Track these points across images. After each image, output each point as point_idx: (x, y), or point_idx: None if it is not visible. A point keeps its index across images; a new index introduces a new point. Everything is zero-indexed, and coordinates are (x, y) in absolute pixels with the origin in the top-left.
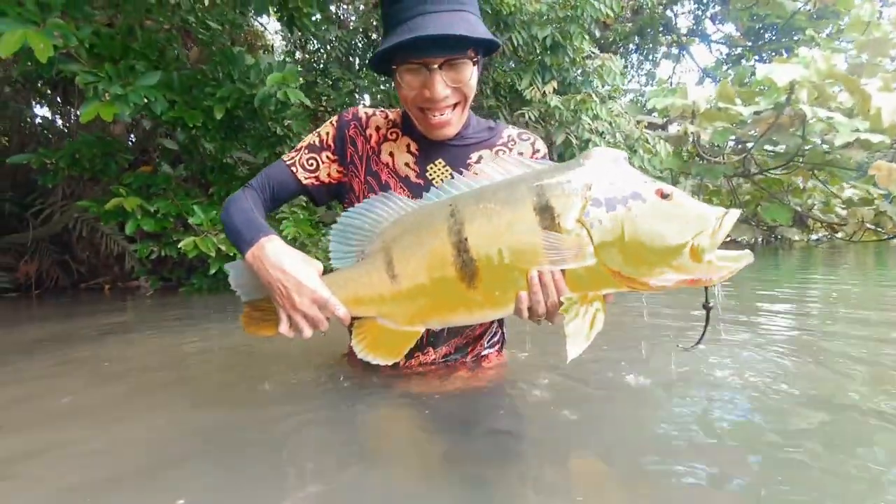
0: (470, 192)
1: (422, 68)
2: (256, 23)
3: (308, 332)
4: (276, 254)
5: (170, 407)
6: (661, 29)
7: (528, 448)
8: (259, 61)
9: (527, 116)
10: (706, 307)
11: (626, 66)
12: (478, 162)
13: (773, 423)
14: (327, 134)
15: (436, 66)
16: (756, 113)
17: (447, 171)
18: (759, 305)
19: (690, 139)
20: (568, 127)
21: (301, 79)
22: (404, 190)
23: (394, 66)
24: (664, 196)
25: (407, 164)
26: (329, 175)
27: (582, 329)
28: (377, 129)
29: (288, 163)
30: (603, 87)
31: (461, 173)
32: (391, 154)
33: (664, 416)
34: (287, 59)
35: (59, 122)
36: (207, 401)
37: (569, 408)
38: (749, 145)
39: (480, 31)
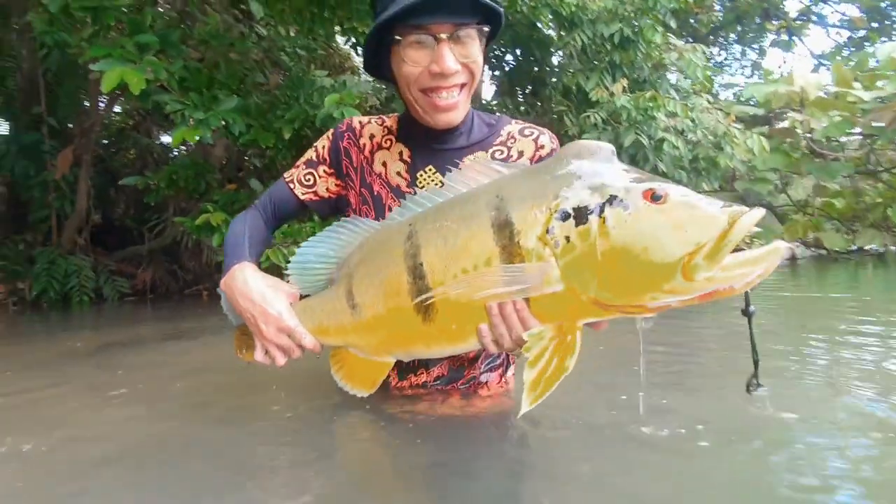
0: (431, 209)
1: (429, 39)
2: (347, 45)
3: (280, 360)
4: (244, 282)
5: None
6: (765, 14)
7: None
8: (318, 82)
9: (593, 119)
10: (746, 313)
11: (726, 58)
12: None
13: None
14: (323, 147)
15: (444, 35)
16: (880, 99)
17: (437, 177)
18: (860, 329)
19: (800, 133)
20: (638, 127)
21: (376, 98)
22: (395, 200)
23: (397, 38)
24: (654, 198)
25: (398, 173)
26: (327, 189)
27: (543, 375)
28: (371, 137)
29: (287, 180)
30: (686, 80)
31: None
32: (384, 163)
33: (693, 472)
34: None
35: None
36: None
37: (570, 458)
38: (873, 137)
39: None
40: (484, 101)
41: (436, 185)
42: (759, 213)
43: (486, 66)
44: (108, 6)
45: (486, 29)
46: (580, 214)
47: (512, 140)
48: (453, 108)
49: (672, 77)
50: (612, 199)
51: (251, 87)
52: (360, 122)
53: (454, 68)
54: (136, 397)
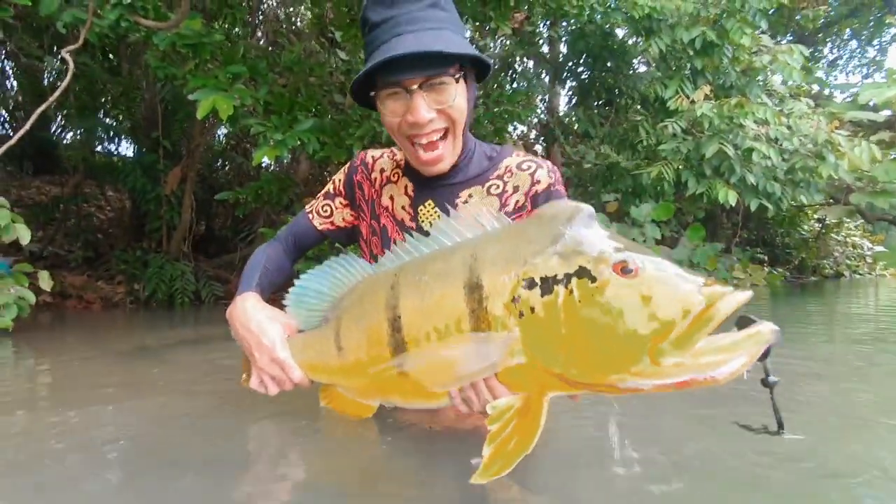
0: (417, 259)
1: (402, 92)
2: None
3: (273, 389)
4: (244, 311)
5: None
6: (884, 7)
7: None
8: None
9: (670, 129)
10: (766, 384)
11: (839, 56)
12: (466, 201)
13: None
14: (339, 181)
15: (415, 86)
16: None
17: (436, 213)
18: None
19: None
20: (723, 136)
21: None
22: (400, 234)
23: (373, 94)
24: (625, 271)
25: (403, 207)
26: (343, 219)
27: (502, 451)
28: (381, 171)
29: (307, 211)
30: (783, 83)
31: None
32: (391, 197)
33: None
34: None
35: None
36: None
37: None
38: None
39: (460, 46)
40: (560, 114)
41: (437, 218)
42: (744, 296)
43: (559, 80)
44: (206, 42)
45: (458, 76)
46: (547, 284)
47: (509, 174)
48: (437, 160)
49: (767, 81)
50: (580, 270)
51: (327, 107)
52: (373, 157)
53: (426, 118)
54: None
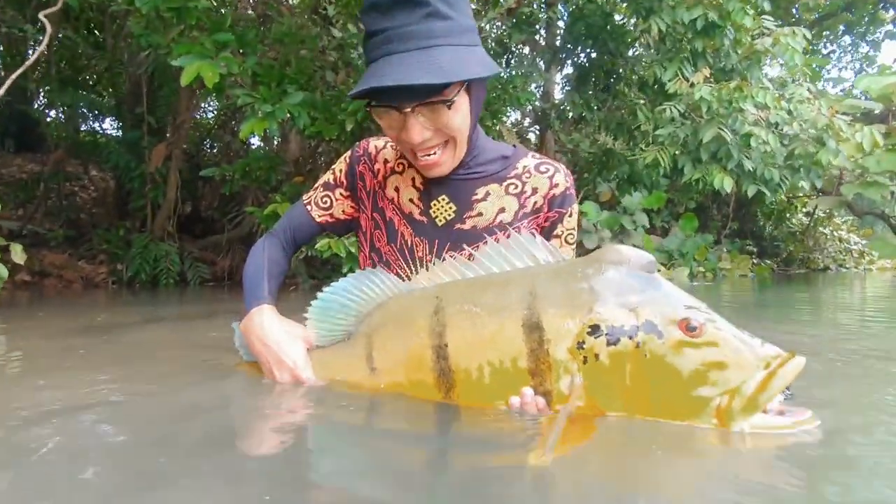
0: (460, 283)
1: (393, 113)
2: None
3: None
4: (261, 327)
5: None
6: (879, 2)
7: None
8: None
9: (668, 112)
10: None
11: (833, 51)
12: (484, 199)
13: None
14: (340, 171)
15: (408, 109)
16: None
17: (451, 207)
18: None
19: None
20: (722, 121)
21: None
22: (408, 228)
23: (367, 109)
24: (690, 329)
25: (411, 200)
26: (343, 211)
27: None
28: (385, 162)
29: (305, 202)
30: (782, 68)
31: (465, 211)
32: (396, 189)
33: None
34: None
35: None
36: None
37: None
38: None
39: (451, 69)
40: (555, 101)
41: (450, 215)
42: (800, 362)
43: (555, 64)
44: (191, 6)
45: (453, 97)
46: (613, 334)
47: (527, 175)
48: (435, 165)
49: (767, 67)
50: (648, 325)
51: (319, 83)
52: (376, 147)
53: (420, 139)
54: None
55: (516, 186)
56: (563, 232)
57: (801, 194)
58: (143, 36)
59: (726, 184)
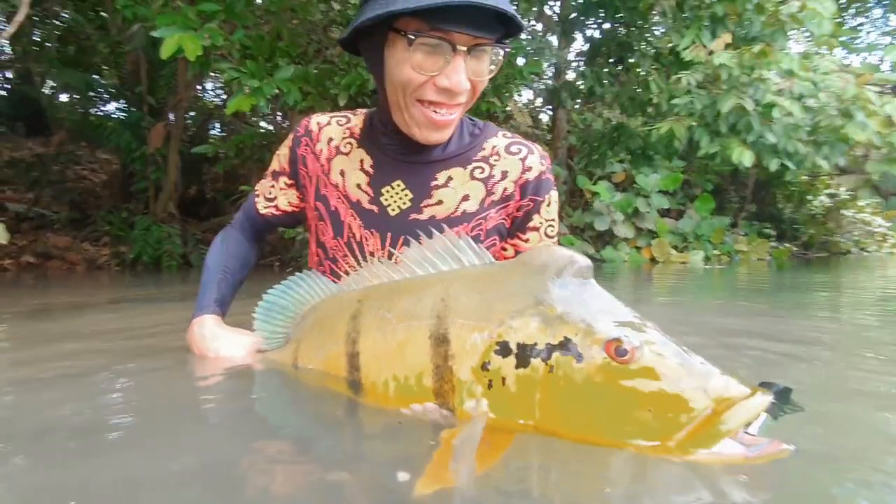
0: (383, 286)
1: (446, 47)
2: None
3: None
4: (203, 339)
5: None
6: None
7: None
8: None
9: (684, 82)
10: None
11: (862, 24)
12: (446, 185)
13: None
14: (283, 156)
15: (464, 47)
16: None
17: (406, 195)
18: None
19: None
20: (742, 90)
21: None
22: (356, 219)
23: (410, 36)
24: (618, 353)
25: (359, 186)
26: (289, 202)
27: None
28: (329, 141)
29: (255, 192)
30: (807, 38)
31: (423, 199)
32: (342, 173)
33: None
34: None
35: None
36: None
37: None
38: None
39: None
40: (566, 80)
41: (405, 204)
42: (761, 402)
43: (566, 39)
44: None
45: (500, 49)
46: (523, 354)
47: (496, 157)
48: (448, 125)
49: (791, 40)
50: (565, 343)
51: (312, 56)
52: (319, 124)
53: (465, 86)
54: None
55: (483, 170)
56: (541, 224)
57: (823, 174)
58: (128, 7)
59: (746, 158)
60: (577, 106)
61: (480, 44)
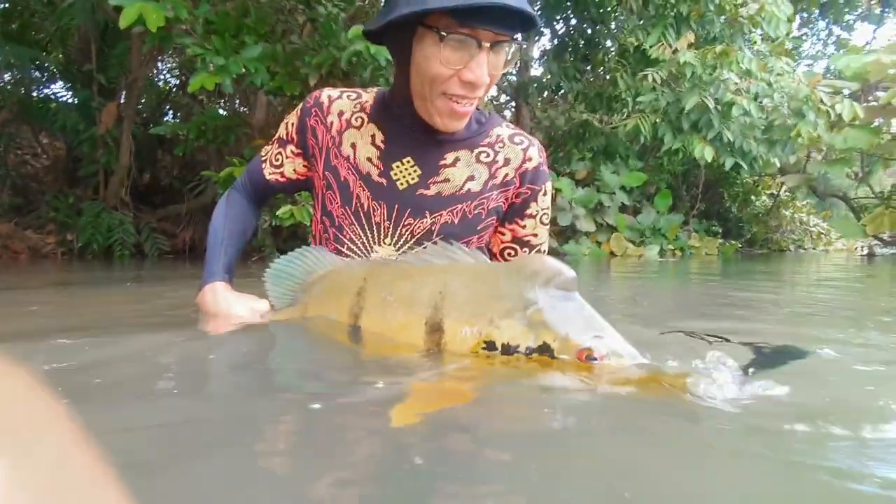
0: (388, 268)
1: (472, 44)
2: None
3: None
4: (216, 302)
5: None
6: None
7: None
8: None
9: (651, 78)
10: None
11: (807, 34)
12: (453, 164)
13: None
14: (292, 125)
15: (488, 43)
16: None
17: (415, 171)
18: None
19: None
20: (704, 88)
21: None
22: (364, 190)
23: (442, 33)
24: (588, 360)
25: (369, 159)
26: (295, 171)
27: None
28: (340, 114)
29: (262, 157)
30: (762, 42)
31: (431, 176)
32: (353, 146)
33: None
34: None
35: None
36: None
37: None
38: None
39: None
40: (531, 76)
41: (413, 179)
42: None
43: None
44: None
45: (522, 43)
46: (507, 352)
47: (500, 144)
48: (467, 115)
49: (747, 43)
50: (543, 347)
51: (280, 36)
52: (330, 97)
53: (485, 80)
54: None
55: (488, 155)
56: (538, 212)
57: (770, 173)
58: None
59: (707, 153)
60: (539, 102)
61: (501, 40)
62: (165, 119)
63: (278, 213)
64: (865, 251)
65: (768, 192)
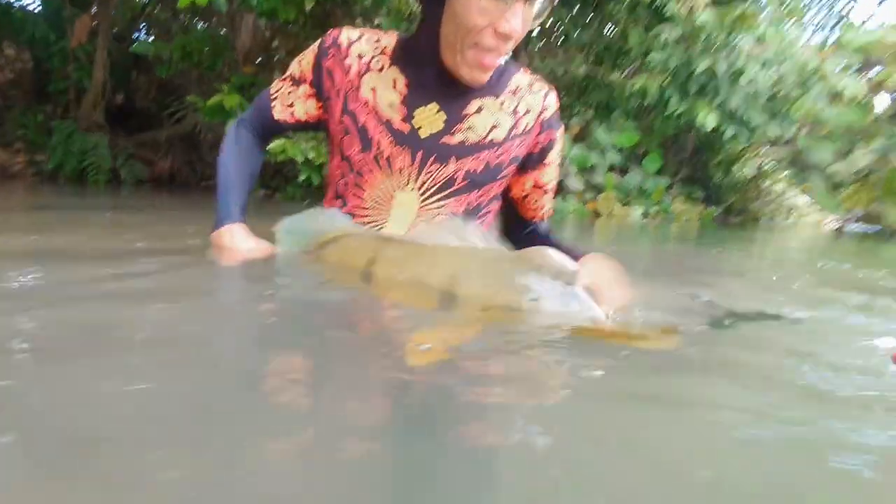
0: (400, 245)
1: None
2: None
3: None
4: (232, 243)
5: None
6: None
7: None
8: None
9: (662, 37)
10: None
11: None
12: (478, 112)
13: None
14: (307, 63)
15: None
16: None
17: (440, 117)
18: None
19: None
20: (716, 52)
21: None
22: (385, 134)
23: None
24: None
25: (391, 105)
26: (307, 112)
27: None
28: (359, 57)
29: (272, 92)
30: (781, 6)
31: (455, 124)
32: (373, 90)
33: None
34: None
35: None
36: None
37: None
38: None
39: None
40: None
41: (438, 126)
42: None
43: None
44: None
45: None
46: None
47: (521, 91)
48: (492, 68)
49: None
50: None
51: None
52: (349, 38)
53: (520, 32)
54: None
55: (511, 104)
56: (553, 160)
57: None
58: None
59: (710, 120)
60: (537, 51)
61: None
62: (138, 36)
63: (269, 146)
64: (836, 226)
65: (752, 161)
